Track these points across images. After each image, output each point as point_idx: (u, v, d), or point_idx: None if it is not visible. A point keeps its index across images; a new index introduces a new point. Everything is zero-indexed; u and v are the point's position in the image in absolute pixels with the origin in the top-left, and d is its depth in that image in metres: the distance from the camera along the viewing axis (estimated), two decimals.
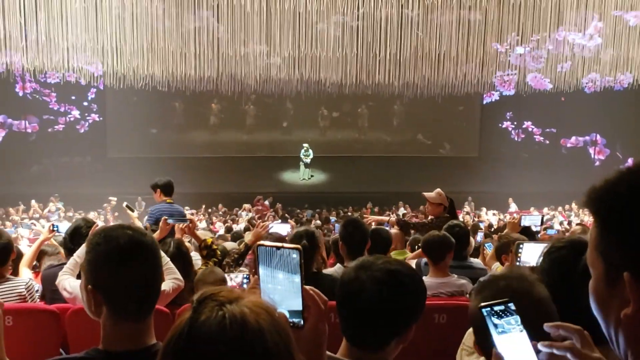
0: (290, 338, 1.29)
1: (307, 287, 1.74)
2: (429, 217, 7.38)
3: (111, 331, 1.90)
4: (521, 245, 4.33)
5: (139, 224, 7.46)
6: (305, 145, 26.71)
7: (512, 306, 1.50)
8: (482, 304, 1.49)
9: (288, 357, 1.26)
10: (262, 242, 1.78)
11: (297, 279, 1.76)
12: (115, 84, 22.28)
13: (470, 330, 2.75)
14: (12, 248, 4.53)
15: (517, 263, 4.24)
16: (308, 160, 26.68)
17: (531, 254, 4.18)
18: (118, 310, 1.89)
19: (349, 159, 27.91)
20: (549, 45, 22.86)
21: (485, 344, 1.89)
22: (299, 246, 1.77)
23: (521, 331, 1.48)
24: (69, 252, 4.72)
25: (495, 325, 1.48)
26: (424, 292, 2.09)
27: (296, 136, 28.42)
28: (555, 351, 1.41)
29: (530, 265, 3.54)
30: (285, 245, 1.78)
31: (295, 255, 1.76)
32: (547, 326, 1.45)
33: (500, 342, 1.46)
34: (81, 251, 4.24)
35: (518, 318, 1.49)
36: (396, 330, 1.99)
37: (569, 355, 1.38)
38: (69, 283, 3.97)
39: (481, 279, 2.21)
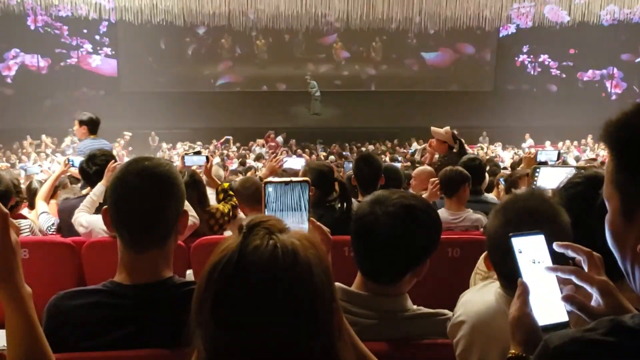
0: (331, 277, 1.29)
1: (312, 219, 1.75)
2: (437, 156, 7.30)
3: (122, 262, 1.91)
4: (537, 170, 4.26)
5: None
6: (306, 77, 26.58)
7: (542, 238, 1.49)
8: (512, 233, 1.47)
9: (330, 295, 1.27)
10: (269, 179, 1.78)
11: (305, 211, 1.76)
12: (127, 17, 22.11)
13: (484, 254, 2.75)
14: (11, 195, 4.52)
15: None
16: (312, 91, 26.52)
17: (547, 179, 4.13)
18: (123, 238, 1.90)
19: (362, 94, 27.70)
20: None
21: (498, 261, 1.90)
22: (307, 179, 1.77)
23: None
24: (87, 177, 4.76)
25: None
26: (439, 227, 2.09)
27: (309, 71, 28.19)
28: (560, 274, 1.40)
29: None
30: (294, 179, 1.78)
31: (304, 188, 1.76)
32: (556, 245, 1.45)
33: (527, 272, 1.46)
34: (98, 189, 4.28)
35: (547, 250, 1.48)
36: (410, 265, 2.00)
37: (573, 279, 1.38)
38: (85, 218, 4.06)
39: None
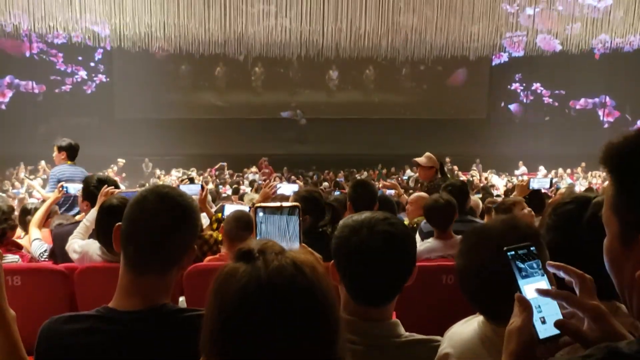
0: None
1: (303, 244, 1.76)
2: (423, 182, 7.33)
3: (120, 284, 1.90)
4: None
5: (41, 190, 7.46)
6: (292, 105, 27.04)
7: (534, 250, 1.48)
8: (507, 247, 1.46)
9: (338, 311, 1.32)
10: (260, 203, 1.80)
11: (296, 236, 1.77)
12: (123, 44, 22.25)
13: None
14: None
15: None
16: (297, 119, 26.86)
17: None
18: (128, 256, 1.90)
19: (357, 121, 27.81)
20: (559, 6, 22.60)
21: (465, 288, 1.91)
22: (297, 204, 1.78)
23: (542, 275, 1.46)
24: (89, 196, 4.77)
25: (519, 270, 1.46)
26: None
27: (304, 98, 28.35)
28: (551, 298, 1.40)
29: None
30: (285, 204, 1.79)
31: (294, 213, 1.77)
32: (549, 265, 1.44)
33: (525, 286, 1.44)
34: (91, 215, 4.29)
35: (539, 262, 1.47)
36: (405, 280, 2.01)
37: (564, 304, 1.37)
38: (78, 244, 4.06)
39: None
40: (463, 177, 19.63)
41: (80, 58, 26.68)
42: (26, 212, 5.85)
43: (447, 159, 20.69)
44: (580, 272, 1.41)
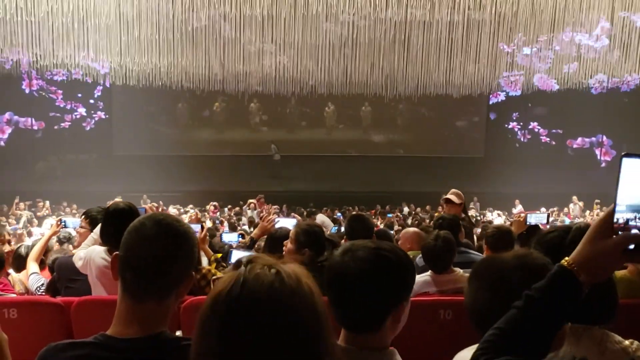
0: (328, 314, 1.33)
1: None
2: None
3: (118, 312, 1.90)
4: None
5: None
6: (272, 145, 27.13)
7: None
8: (627, 152, 1.48)
9: (329, 328, 1.31)
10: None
11: None
12: (122, 81, 22.39)
13: None
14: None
15: None
16: (272, 154, 26.99)
17: None
18: (126, 282, 1.89)
19: (354, 158, 27.90)
20: (556, 45, 22.80)
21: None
22: None
23: None
24: (95, 224, 4.75)
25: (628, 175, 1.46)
26: (410, 265, 2.07)
27: (301, 135, 28.46)
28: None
29: None
30: None
31: None
32: None
33: (626, 191, 1.46)
34: (98, 228, 4.27)
35: None
36: (387, 308, 1.95)
37: None
38: (83, 252, 4.09)
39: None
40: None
41: (79, 95, 26.86)
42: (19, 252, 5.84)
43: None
44: None
